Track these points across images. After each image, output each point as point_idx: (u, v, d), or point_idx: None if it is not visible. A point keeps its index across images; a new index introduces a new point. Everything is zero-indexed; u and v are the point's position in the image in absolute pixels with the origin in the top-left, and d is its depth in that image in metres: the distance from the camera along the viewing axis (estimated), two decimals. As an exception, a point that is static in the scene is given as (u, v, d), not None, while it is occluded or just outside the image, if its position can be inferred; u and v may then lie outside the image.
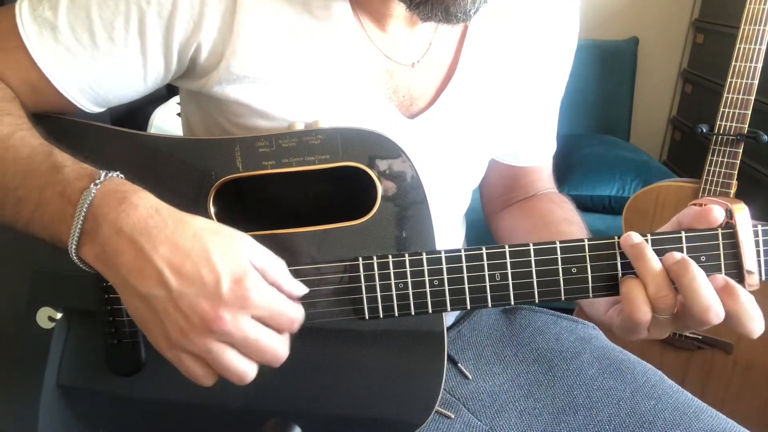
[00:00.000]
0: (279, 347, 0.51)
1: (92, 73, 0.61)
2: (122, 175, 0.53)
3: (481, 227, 0.93)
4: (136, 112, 1.76)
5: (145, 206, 0.49)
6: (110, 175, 0.52)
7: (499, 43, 0.71)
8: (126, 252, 0.48)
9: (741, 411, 1.51)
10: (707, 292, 0.51)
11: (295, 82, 0.64)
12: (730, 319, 0.52)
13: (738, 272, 0.54)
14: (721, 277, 0.53)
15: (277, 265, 0.52)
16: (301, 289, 0.53)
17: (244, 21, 0.60)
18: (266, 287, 0.50)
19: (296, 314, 0.51)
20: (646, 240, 0.54)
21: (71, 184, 0.51)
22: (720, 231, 0.54)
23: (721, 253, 0.54)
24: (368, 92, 0.66)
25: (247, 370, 0.50)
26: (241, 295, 0.48)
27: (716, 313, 0.51)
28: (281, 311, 0.50)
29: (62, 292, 0.61)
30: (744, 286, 0.53)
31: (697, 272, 0.52)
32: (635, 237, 0.54)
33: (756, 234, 0.54)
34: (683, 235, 0.54)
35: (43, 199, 0.52)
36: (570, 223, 0.76)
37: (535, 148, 0.83)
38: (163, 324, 0.48)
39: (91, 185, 0.50)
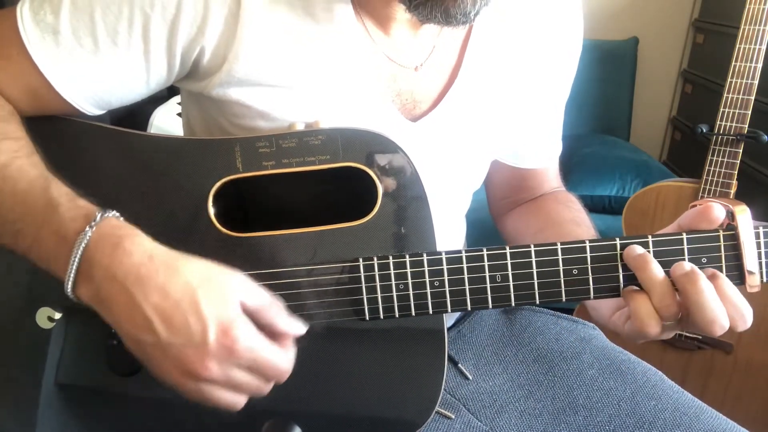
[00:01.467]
0: (263, 388, 0.53)
1: (95, 77, 0.61)
2: (118, 214, 0.53)
3: (483, 227, 0.93)
4: (136, 113, 1.76)
5: (138, 253, 0.50)
6: (106, 215, 0.52)
7: (503, 46, 0.71)
8: (118, 298, 0.49)
9: (741, 411, 1.51)
10: (714, 305, 0.52)
11: (297, 86, 0.63)
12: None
13: (739, 273, 0.54)
14: (710, 269, 0.54)
15: (271, 306, 0.52)
16: (299, 328, 0.54)
17: (247, 25, 0.60)
18: (254, 336, 0.50)
19: (284, 366, 0.52)
20: (648, 241, 0.54)
21: (66, 224, 0.52)
22: (721, 232, 0.54)
23: (723, 255, 0.54)
24: (371, 95, 0.66)
25: (236, 401, 0.52)
26: (227, 346, 0.49)
27: (721, 326, 0.52)
28: (268, 362, 0.51)
29: (62, 293, 0.61)
30: (745, 287, 0.54)
31: (704, 285, 0.52)
32: (638, 249, 0.55)
33: (757, 236, 0.54)
34: (684, 236, 0.54)
35: (40, 237, 0.53)
36: (577, 225, 0.76)
37: (540, 150, 0.83)
38: (156, 365, 0.50)
39: (87, 228, 0.51)
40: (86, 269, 0.50)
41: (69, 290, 0.51)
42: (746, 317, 0.53)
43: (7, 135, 0.58)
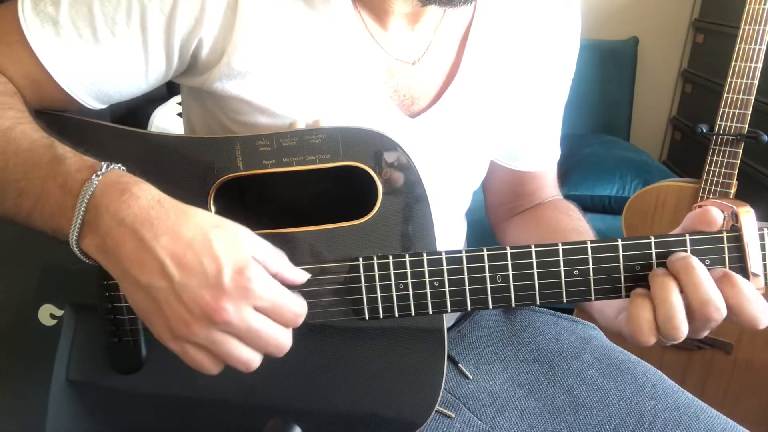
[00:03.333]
0: (282, 338, 0.51)
1: (93, 68, 0.61)
2: (123, 168, 0.52)
3: (483, 227, 0.93)
4: (136, 112, 1.76)
5: (146, 197, 0.49)
6: (112, 167, 0.52)
7: (502, 44, 0.71)
8: (127, 243, 0.48)
9: (741, 411, 1.51)
10: (708, 286, 0.51)
11: (295, 77, 0.64)
12: (732, 311, 0.52)
13: (743, 275, 0.53)
14: (720, 269, 0.53)
15: (277, 257, 0.52)
16: (303, 275, 0.53)
17: (245, 16, 0.60)
18: (269, 279, 0.50)
19: (299, 309, 0.51)
20: (650, 242, 0.54)
21: (72, 175, 0.51)
22: (725, 234, 0.54)
23: (726, 256, 0.54)
24: (369, 90, 0.66)
25: (251, 358, 0.50)
26: (243, 286, 0.47)
27: (716, 307, 0.51)
28: (284, 304, 0.50)
29: (64, 290, 0.61)
30: None
31: (696, 264, 0.51)
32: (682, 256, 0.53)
33: (762, 237, 0.53)
34: (688, 237, 0.54)
35: (44, 191, 0.52)
36: (579, 233, 0.76)
37: (538, 151, 0.83)
38: (166, 315, 0.48)
39: (93, 177, 0.50)
40: (92, 218, 0.49)
41: (74, 241, 0.50)
42: (765, 308, 0.51)
43: (10, 105, 0.58)
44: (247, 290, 0.48)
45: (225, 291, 0.47)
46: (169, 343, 0.50)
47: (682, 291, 0.52)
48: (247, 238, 0.50)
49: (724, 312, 0.51)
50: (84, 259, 0.51)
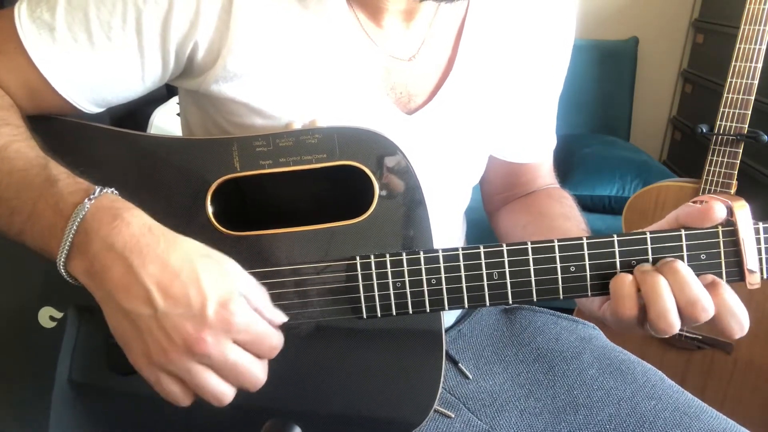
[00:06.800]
0: (257, 372, 0.51)
1: (90, 73, 0.61)
2: (116, 192, 0.53)
3: (483, 226, 0.93)
4: (136, 113, 1.76)
5: (137, 224, 0.49)
6: (105, 191, 0.52)
7: (496, 38, 0.71)
8: (115, 268, 0.48)
9: (741, 411, 1.51)
10: (695, 286, 0.52)
11: (291, 78, 0.64)
12: (714, 317, 0.53)
13: (739, 270, 0.54)
14: (710, 276, 0.54)
15: (259, 293, 0.52)
16: (281, 317, 0.54)
17: (240, 18, 0.60)
18: (251, 313, 0.50)
19: (276, 341, 0.52)
20: (646, 238, 0.54)
21: (64, 198, 0.51)
22: (720, 229, 0.53)
23: (722, 251, 0.54)
24: (365, 88, 0.66)
25: (224, 391, 0.51)
26: (225, 319, 0.48)
27: (704, 307, 0.51)
28: (263, 337, 0.51)
29: (64, 292, 0.61)
30: (745, 285, 0.53)
31: (681, 266, 0.52)
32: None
33: (757, 232, 0.53)
34: (683, 233, 0.54)
35: (36, 212, 0.52)
36: (566, 219, 0.76)
37: (534, 143, 0.83)
38: (145, 342, 0.49)
39: (85, 200, 0.50)
40: (82, 241, 0.50)
41: (62, 263, 0.50)
42: (743, 322, 0.53)
43: (7, 121, 0.58)
44: (229, 324, 0.48)
45: (207, 323, 0.48)
46: (144, 369, 0.50)
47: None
48: (234, 271, 0.51)
49: (711, 311, 0.52)
50: (70, 281, 0.52)
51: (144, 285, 0.47)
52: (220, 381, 0.50)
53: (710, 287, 0.53)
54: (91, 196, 0.51)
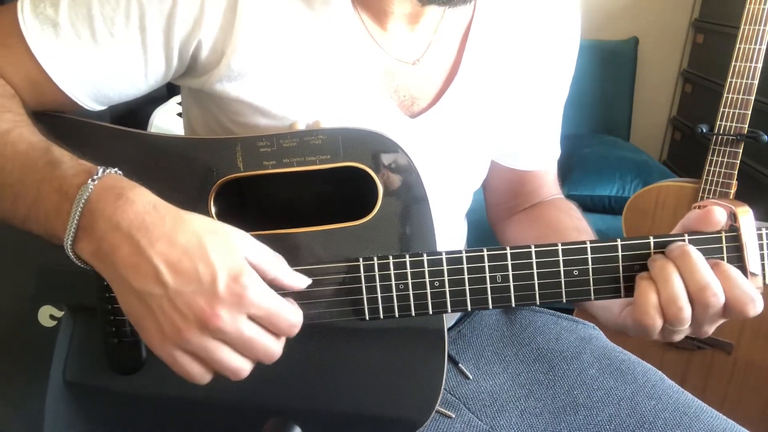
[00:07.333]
0: (274, 347, 0.51)
1: (93, 69, 0.61)
2: (120, 172, 0.52)
3: (484, 228, 0.93)
4: (136, 112, 1.76)
5: (142, 202, 0.49)
6: (108, 171, 0.51)
7: (502, 43, 0.71)
8: (122, 248, 0.48)
9: (741, 411, 1.51)
10: (705, 271, 0.51)
11: (295, 78, 0.64)
12: (728, 303, 0.52)
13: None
14: (713, 260, 0.53)
15: (275, 261, 0.52)
16: (304, 281, 0.53)
17: (245, 17, 0.60)
18: (264, 286, 0.49)
19: (295, 318, 0.51)
20: (650, 242, 0.54)
21: (68, 180, 0.51)
22: (724, 234, 0.54)
23: (725, 256, 0.54)
24: (369, 90, 0.66)
25: (241, 366, 0.50)
26: (237, 293, 0.47)
27: (714, 292, 0.51)
28: (279, 313, 0.50)
29: (64, 291, 0.61)
30: None
31: (692, 250, 0.52)
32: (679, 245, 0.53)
33: (760, 237, 0.53)
34: (686, 237, 0.54)
35: (40, 195, 0.52)
36: (579, 232, 0.76)
37: (538, 150, 0.83)
38: (158, 321, 0.48)
39: (89, 181, 0.50)
40: (88, 222, 0.49)
41: (69, 246, 0.50)
42: (756, 299, 0.52)
43: (10, 109, 0.58)
44: (241, 297, 0.48)
45: (219, 298, 0.47)
46: (158, 349, 0.49)
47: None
48: (244, 243, 0.50)
49: (721, 297, 0.51)
50: (78, 263, 0.51)
51: (153, 264, 0.47)
52: (237, 355, 0.49)
53: (715, 269, 0.52)
54: (95, 177, 0.50)
